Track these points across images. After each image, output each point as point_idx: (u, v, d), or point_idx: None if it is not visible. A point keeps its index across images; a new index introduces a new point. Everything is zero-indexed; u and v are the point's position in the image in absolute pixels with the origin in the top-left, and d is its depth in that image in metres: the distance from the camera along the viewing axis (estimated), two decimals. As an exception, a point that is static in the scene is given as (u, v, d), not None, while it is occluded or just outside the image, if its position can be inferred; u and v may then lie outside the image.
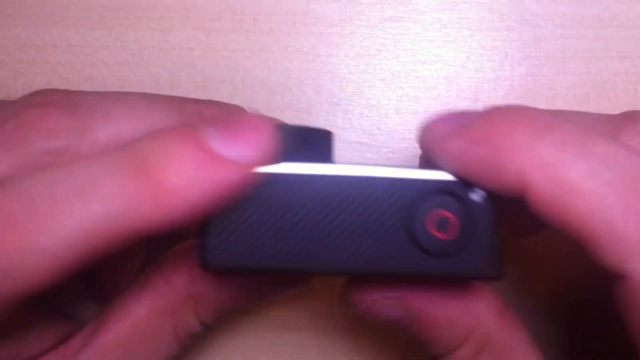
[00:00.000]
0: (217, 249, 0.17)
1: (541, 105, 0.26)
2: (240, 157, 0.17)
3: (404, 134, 0.28)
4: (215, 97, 0.28)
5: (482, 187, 0.18)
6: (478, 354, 0.20)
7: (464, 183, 0.18)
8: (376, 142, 0.27)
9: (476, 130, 0.17)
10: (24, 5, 0.28)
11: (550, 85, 0.28)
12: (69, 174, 0.16)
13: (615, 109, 0.28)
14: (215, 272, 0.20)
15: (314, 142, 0.19)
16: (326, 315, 0.28)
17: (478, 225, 0.17)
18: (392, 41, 0.28)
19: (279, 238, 0.17)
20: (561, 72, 0.28)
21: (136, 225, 0.16)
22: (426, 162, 0.21)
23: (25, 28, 0.28)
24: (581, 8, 0.28)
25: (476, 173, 0.17)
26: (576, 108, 0.28)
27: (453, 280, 0.18)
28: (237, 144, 0.17)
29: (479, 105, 0.27)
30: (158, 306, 0.21)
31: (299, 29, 0.28)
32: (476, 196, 0.18)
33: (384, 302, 0.20)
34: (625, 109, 0.28)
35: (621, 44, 0.27)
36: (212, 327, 0.25)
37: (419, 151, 0.28)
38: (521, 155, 0.17)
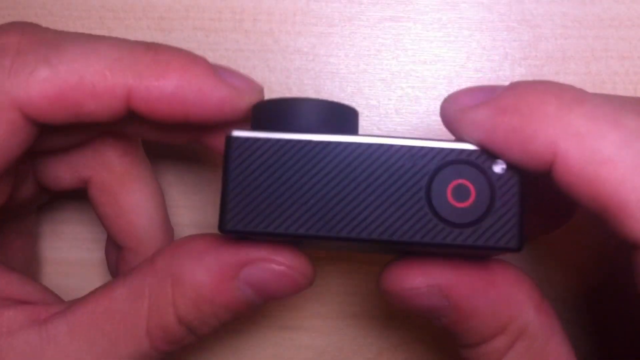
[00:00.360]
0: (237, 212, 0.18)
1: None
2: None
3: (404, 134, 0.28)
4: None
5: (507, 159, 0.17)
6: (513, 343, 0.20)
7: (486, 154, 0.18)
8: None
9: (506, 100, 0.17)
10: (24, 5, 0.28)
11: (550, 85, 0.28)
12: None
13: (615, 109, 0.28)
14: (232, 235, 0.19)
15: (340, 117, 0.20)
16: (326, 315, 0.28)
17: (499, 196, 0.17)
18: (392, 41, 0.28)
19: (300, 204, 0.18)
20: (561, 72, 0.28)
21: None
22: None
23: (25, 28, 0.28)
24: (581, 8, 0.28)
25: (503, 143, 0.17)
26: (576, 108, 0.28)
27: (473, 251, 0.18)
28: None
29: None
30: (135, 285, 0.20)
31: (299, 29, 0.28)
32: (497, 167, 0.18)
33: (423, 291, 0.19)
34: (625, 109, 0.28)
35: (621, 44, 0.27)
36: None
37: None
38: (552, 125, 0.16)
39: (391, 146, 0.18)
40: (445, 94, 0.28)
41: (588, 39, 0.28)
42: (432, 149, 0.18)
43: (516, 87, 0.18)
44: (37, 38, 0.20)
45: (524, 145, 0.17)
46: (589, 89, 0.28)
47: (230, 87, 0.20)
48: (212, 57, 0.28)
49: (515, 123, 0.17)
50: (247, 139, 0.18)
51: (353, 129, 0.20)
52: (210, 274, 0.19)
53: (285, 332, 0.28)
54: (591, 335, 0.26)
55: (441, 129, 0.28)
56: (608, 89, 0.27)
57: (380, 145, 0.18)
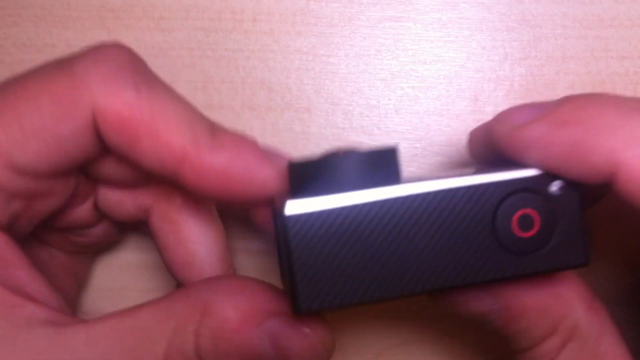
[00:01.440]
0: (309, 292, 0.17)
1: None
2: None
3: (404, 134, 0.28)
4: (216, 97, 0.28)
5: (565, 176, 0.17)
6: (566, 343, 0.19)
7: (541, 177, 0.17)
8: (376, 142, 0.28)
9: (563, 113, 0.17)
10: (24, 5, 0.28)
11: (550, 85, 0.28)
12: None
13: (615, 109, 0.28)
14: (307, 315, 0.19)
15: (383, 163, 0.19)
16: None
17: (561, 216, 0.17)
18: (392, 41, 0.28)
19: (368, 269, 0.17)
20: (561, 72, 0.28)
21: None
22: (490, 161, 0.20)
23: (25, 28, 0.28)
24: (581, 8, 0.28)
25: (562, 158, 0.17)
26: (576, 108, 0.28)
27: (544, 275, 0.18)
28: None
29: (479, 105, 0.27)
30: (164, 307, 0.20)
31: (299, 29, 0.28)
32: (555, 188, 0.17)
33: (473, 294, 0.19)
34: (625, 109, 0.28)
35: (621, 44, 0.27)
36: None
37: (418, 151, 0.28)
38: (614, 134, 0.16)
39: (449, 190, 0.17)
40: (445, 94, 0.28)
41: (588, 39, 0.28)
42: (490, 184, 0.17)
43: (572, 100, 0.17)
44: (137, 65, 0.20)
45: (584, 158, 0.16)
46: (589, 89, 0.28)
47: (277, 168, 0.20)
48: (212, 57, 0.28)
49: (574, 136, 0.16)
50: (302, 216, 0.17)
51: (396, 172, 0.19)
52: (237, 312, 0.19)
53: (285, 332, 0.28)
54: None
55: (439, 129, 0.28)
56: (608, 89, 0.27)
57: (437, 192, 0.17)
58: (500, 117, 0.19)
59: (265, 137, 0.27)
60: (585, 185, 0.17)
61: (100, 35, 0.28)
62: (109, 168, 0.22)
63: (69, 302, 0.26)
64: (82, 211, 0.24)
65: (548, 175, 0.17)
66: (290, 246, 0.17)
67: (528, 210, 0.17)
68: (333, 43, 0.28)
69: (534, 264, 0.17)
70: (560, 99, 0.18)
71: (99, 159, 0.21)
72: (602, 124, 0.16)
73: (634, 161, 0.16)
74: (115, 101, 0.19)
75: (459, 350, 0.28)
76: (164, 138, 0.19)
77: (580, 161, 0.16)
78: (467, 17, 0.28)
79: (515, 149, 0.18)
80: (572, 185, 0.17)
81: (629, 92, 0.27)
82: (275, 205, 0.18)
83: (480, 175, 0.17)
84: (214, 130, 0.20)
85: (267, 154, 0.21)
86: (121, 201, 0.24)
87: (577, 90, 0.28)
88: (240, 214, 0.28)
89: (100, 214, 0.24)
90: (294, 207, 0.17)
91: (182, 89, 0.28)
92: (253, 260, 0.28)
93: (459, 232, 0.17)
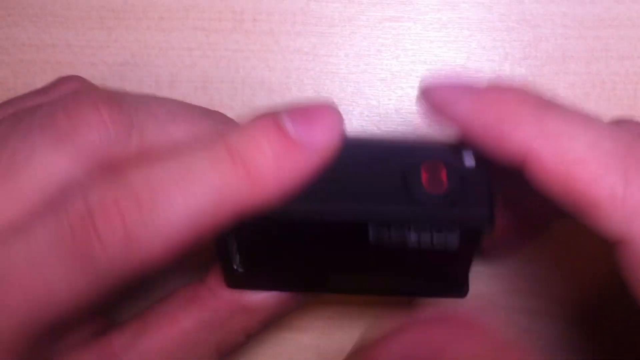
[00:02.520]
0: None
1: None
2: (316, 141, 0.18)
3: (404, 134, 0.28)
4: (216, 97, 0.28)
5: (481, 152, 0.19)
6: None
7: (459, 147, 0.19)
8: (376, 142, 0.28)
9: (486, 98, 0.18)
10: (24, 5, 0.28)
11: (550, 85, 0.28)
12: (172, 166, 0.18)
13: (615, 109, 0.28)
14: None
15: None
16: (326, 315, 0.28)
17: (470, 183, 0.19)
18: (392, 41, 0.28)
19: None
20: (561, 72, 0.28)
21: (235, 207, 0.18)
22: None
23: (25, 28, 0.28)
24: (581, 8, 0.28)
25: (480, 138, 0.18)
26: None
27: (445, 226, 0.19)
28: (311, 129, 0.18)
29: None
30: (206, 318, 0.21)
31: (299, 29, 0.28)
32: (468, 159, 0.19)
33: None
34: (626, 109, 0.28)
35: (621, 44, 0.27)
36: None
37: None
38: (528, 124, 0.18)
39: (374, 143, 0.20)
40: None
41: (588, 39, 0.28)
42: (413, 146, 0.19)
43: (495, 88, 0.19)
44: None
45: (500, 142, 0.18)
46: (589, 89, 0.28)
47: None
48: (212, 57, 0.28)
49: (493, 120, 0.18)
50: None
51: None
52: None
53: (285, 332, 0.28)
54: (595, 343, 0.26)
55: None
56: (608, 89, 0.27)
57: (370, 142, 0.20)
58: (432, 89, 0.20)
59: (265, 137, 0.28)
60: (501, 165, 0.19)
61: (100, 35, 0.28)
62: None
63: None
64: None
65: (465, 147, 0.19)
66: None
67: (441, 174, 0.19)
68: (333, 43, 0.28)
69: (437, 215, 0.18)
70: (487, 83, 0.19)
71: None
72: (519, 113, 0.18)
73: (544, 152, 0.17)
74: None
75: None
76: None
77: (497, 143, 0.18)
78: (467, 17, 0.28)
79: (443, 120, 0.19)
80: (484, 160, 0.19)
81: (629, 92, 0.27)
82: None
83: (409, 137, 0.20)
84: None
85: None
86: None
87: (577, 90, 0.28)
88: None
89: None
90: None
91: (182, 89, 0.28)
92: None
93: (379, 180, 0.19)
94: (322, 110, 0.19)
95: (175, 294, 0.22)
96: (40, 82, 0.28)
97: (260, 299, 0.22)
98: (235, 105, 0.28)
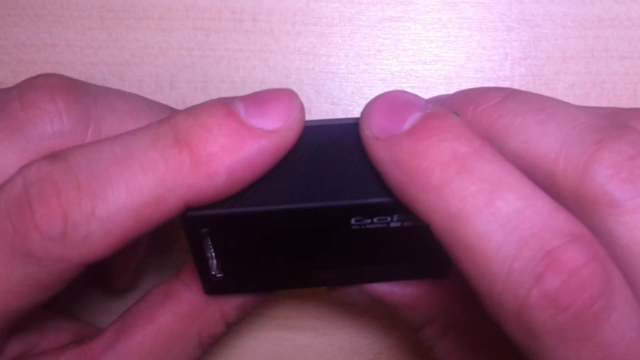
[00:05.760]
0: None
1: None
2: (269, 126, 0.17)
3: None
4: (215, 97, 0.28)
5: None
6: (447, 331, 0.22)
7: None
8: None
9: (401, 152, 0.17)
10: (24, 5, 0.28)
11: (550, 85, 0.28)
12: (113, 146, 0.17)
13: (615, 109, 0.28)
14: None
15: None
16: (326, 315, 0.28)
17: None
18: (392, 41, 0.28)
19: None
20: (561, 72, 0.28)
21: (181, 196, 0.17)
22: None
23: (25, 28, 0.28)
24: (581, 8, 0.28)
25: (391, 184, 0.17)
26: (576, 108, 0.28)
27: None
28: (264, 114, 0.17)
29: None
30: (183, 312, 0.21)
31: (299, 29, 0.28)
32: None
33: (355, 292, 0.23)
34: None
35: (621, 44, 0.27)
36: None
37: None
38: (432, 195, 0.16)
39: (333, 125, 0.19)
40: (445, 94, 0.28)
41: (588, 39, 0.28)
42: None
43: (415, 136, 0.17)
44: None
45: (408, 196, 0.17)
46: (589, 89, 0.28)
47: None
48: (212, 57, 0.28)
49: (401, 178, 0.17)
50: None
51: None
52: None
53: (285, 332, 0.28)
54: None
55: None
56: (608, 89, 0.27)
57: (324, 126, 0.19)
58: (366, 115, 0.18)
59: (265, 137, 0.28)
60: None
61: (100, 35, 0.28)
62: None
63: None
64: None
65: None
66: None
67: None
68: (333, 43, 0.28)
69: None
70: (417, 118, 0.17)
71: None
72: (424, 181, 0.16)
73: (440, 229, 0.16)
74: None
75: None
76: None
77: (407, 197, 0.17)
78: (467, 17, 0.28)
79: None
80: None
81: (629, 92, 0.27)
82: None
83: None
84: None
85: None
86: None
87: (577, 90, 0.28)
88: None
89: None
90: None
91: (182, 89, 0.28)
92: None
93: (339, 162, 0.18)
94: (277, 95, 0.18)
95: (151, 292, 0.22)
96: (40, 82, 0.28)
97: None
98: (235, 105, 0.28)
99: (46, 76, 0.19)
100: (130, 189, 0.16)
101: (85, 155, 0.17)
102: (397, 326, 0.28)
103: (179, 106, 0.28)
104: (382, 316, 0.28)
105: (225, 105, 0.17)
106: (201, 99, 0.28)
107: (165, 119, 0.17)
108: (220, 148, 0.17)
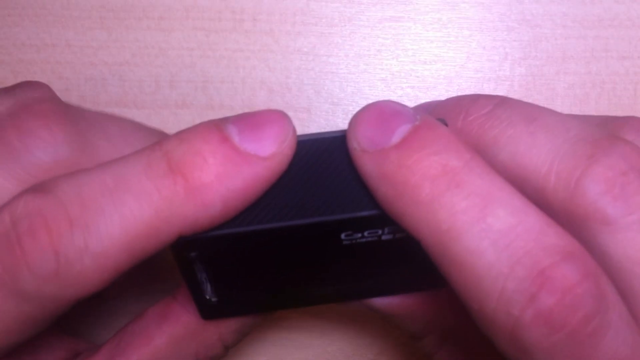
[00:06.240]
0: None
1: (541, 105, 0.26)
2: (263, 151, 0.17)
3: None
4: (216, 97, 0.28)
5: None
6: (443, 342, 0.22)
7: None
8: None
9: (390, 165, 0.17)
10: (24, 5, 0.28)
11: (550, 85, 0.28)
12: (104, 175, 0.16)
13: (615, 109, 0.28)
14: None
15: None
16: (326, 316, 0.28)
17: None
18: (392, 41, 0.28)
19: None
20: (561, 72, 0.28)
21: (177, 223, 0.16)
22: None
23: (25, 28, 0.28)
24: (581, 8, 0.28)
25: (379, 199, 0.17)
26: (576, 108, 0.28)
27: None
28: (258, 138, 0.17)
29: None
30: (179, 334, 0.21)
31: (299, 29, 0.28)
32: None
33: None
34: (626, 109, 0.28)
35: (621, 44, 0.27)
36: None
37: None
38: (422, 210, 0.16)
39: (320, 139, 0.18)
40: (445, 94, 0.28)
41: (588, 39, 0.28)
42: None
43: (403, 151, 0.17)
44: None
45: (397, 213, 0.17)
46: (589, 89, 0.28)
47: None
48: (212, 57, 0.28)
49: (390, 193, 0.16)
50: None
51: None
52: None
53: (285, 332, 0.28)
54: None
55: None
56: (608, 89, 0.27)
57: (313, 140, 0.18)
58: (354, 126, 0.18)
59: (265, 137, 0.27)
60: None
61: (100, 35, 0.28)
62: None
63: None
64: None
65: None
66: None
67: None
68: (333, 43, 0.28)
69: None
70: (404, 133, 0.17)
71: None
72: (415, 197, 0.16)
73: (430, 245, 0.16)
74: None
75: (459, 350, 0.28)
76: None
77: (395, 213, 0.17)
78: (467, 17, 0.28)
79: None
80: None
81: (629, 92, 0.27)
82: None
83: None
84: None
85: None
86: None
87: (577, 90, 0.28)
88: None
89: None
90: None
91: (182, 89, 0.28)
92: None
93: (330, 175, 0.18)
94: (270, 118, 0.17)
95: (147, 312, 0.21)
96: (40, 82, 0.28)
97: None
98: (235, 105, 0.28)
99: (41, 101, 0.18)
100: (124, 222, 0.16)
101: (74, 186, 0.16)
102: (397, 327, 0.28)
103: (179, 106, 0.28)
104: (382, 316, 0.28)
105: (219, 130, 0.17)
106: (201, 99, 0.28)
107: (157, 144, 0.17)
108: (215, 177, 0.16)
